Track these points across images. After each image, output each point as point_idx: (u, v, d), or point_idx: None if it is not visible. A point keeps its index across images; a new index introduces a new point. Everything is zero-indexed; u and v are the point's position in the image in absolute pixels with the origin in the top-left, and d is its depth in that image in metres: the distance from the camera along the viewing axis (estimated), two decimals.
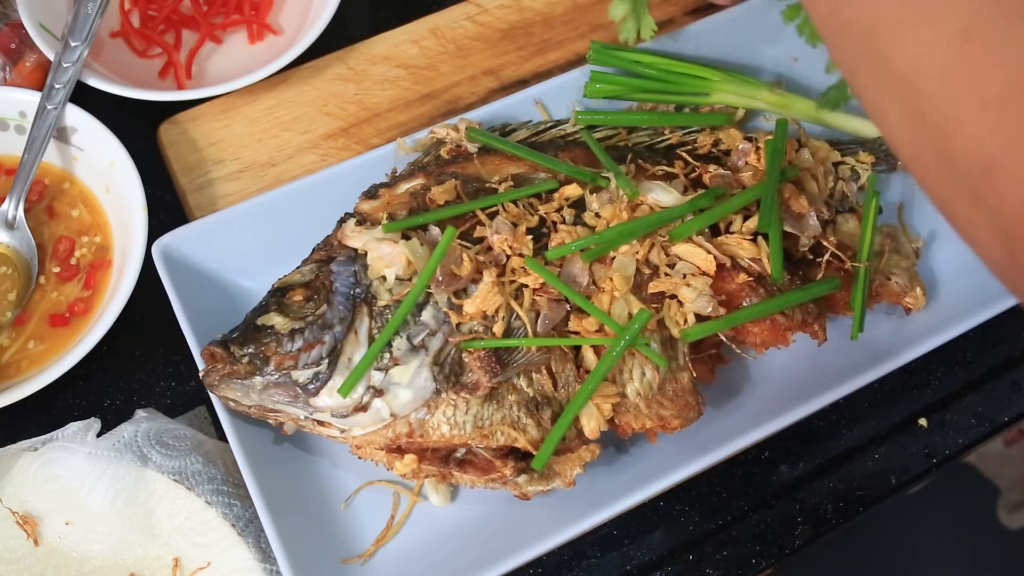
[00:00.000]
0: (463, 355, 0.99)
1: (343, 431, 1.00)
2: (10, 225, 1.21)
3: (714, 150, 1.18)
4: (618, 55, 1.22)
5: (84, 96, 1.26)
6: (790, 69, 1.31)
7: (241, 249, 1.15)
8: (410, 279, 1.01)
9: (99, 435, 1.07)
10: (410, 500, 1.07)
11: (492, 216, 1.06)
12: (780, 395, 1.10)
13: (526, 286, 1.02)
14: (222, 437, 1.12)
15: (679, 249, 1.05)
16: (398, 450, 1.00)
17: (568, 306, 1.02)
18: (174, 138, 1.31)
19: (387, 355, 0.98)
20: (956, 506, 2.14)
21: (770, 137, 1.14)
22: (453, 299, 1.01)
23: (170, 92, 1.29)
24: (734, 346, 1.08)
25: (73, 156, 1.25)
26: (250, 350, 0.98)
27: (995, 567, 2.15)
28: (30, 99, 1.23)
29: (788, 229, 1.08)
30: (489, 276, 1.00)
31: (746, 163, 1.14)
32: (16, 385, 1.10)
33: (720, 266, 1.05)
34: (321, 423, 1.00)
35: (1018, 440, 2.23)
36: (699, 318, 1.04)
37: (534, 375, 1.01)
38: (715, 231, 1.08)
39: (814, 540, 1.13)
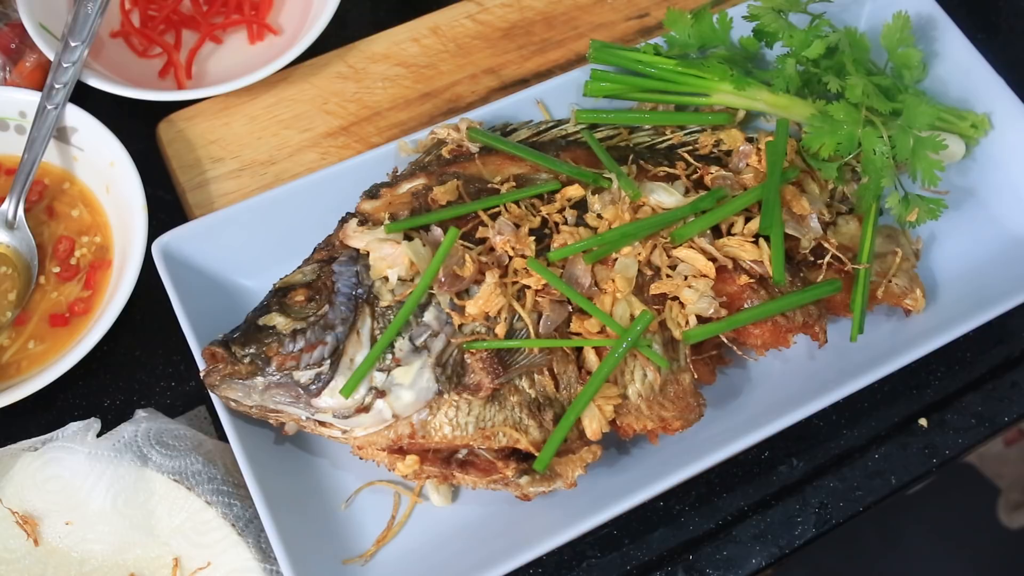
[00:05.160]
0: (465, 356, 0.99)
1: (345, 432, 1.00)
2: (10, 225, 1.21)
3: (715, 151, 1.18)
4: (618, 54, 1.22)
5: (84, 96, 1.25)
6: None
7: (241, 248, 1.15)
8: (412, 280, 1.01)
9: (99, 435, 1.07)
10: (411, 500, 1.07)
11: (494, 217, 1.06)
12: (781, 396, 1.11)
13: (528, 287, 1.02)
14: (222, 437, 1.12)
15: (680, 253, 1.05)
16: (400, 451, 1.00)
17: (570, 307, 1.02)
18: (173, 136, 1.30)
19: (389, 356, 0.98)
20: (956, 506, 2.14)
21: (771, 138, 1.14)
22: (455, 300, 1.01)
23: (170, 92, 1.28)
24: (735, 347, 1.09)
25: (73, 156, 1.25)
26: (251, 350, 0.98)
27: (995, 567, 2.15)
28: (30, 99, 1.23)
29: (789, 231, 1.08)
30: (491, 277, 1.00)
31: (747, 164, 1.14)
32: (16, 385, 1.10)
33: (722, 268, 1.05)
34: (323, 424, 1.00)
35: (1018, 440, 2.23)
36: (701, 320, 1.04)
37: (536, 376, 1.01)
38: (717, 232, 1.08)
39: (814, 540, 1.13)
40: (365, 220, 1.07)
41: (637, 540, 1.11)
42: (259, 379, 0.98)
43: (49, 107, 1.21)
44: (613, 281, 1.03)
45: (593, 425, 0.99)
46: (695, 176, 1.14)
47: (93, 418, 1.09)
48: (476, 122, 1.19)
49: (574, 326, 1.02)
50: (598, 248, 1.03)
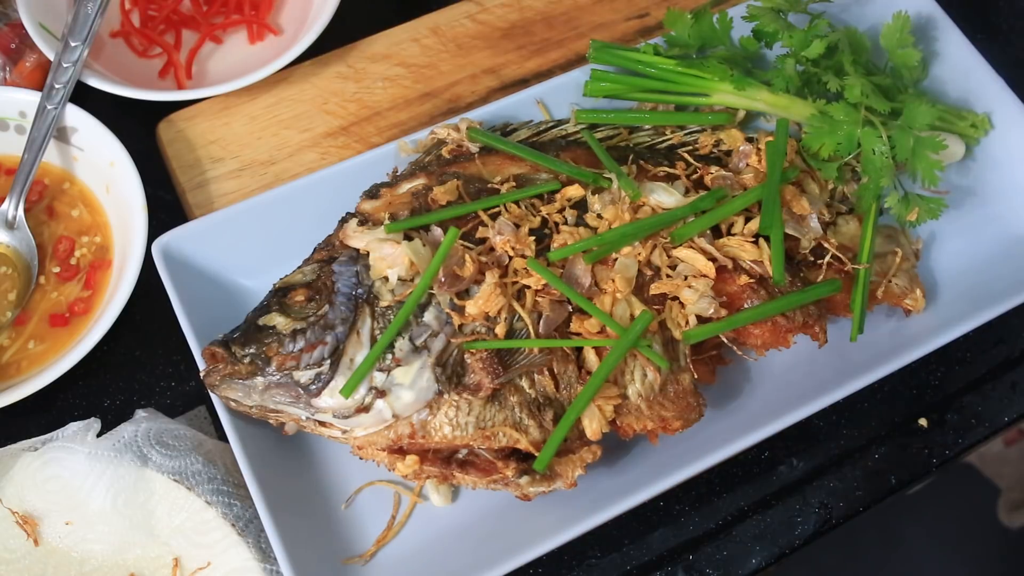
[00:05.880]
0: (465, 356, 0.99)
1: (345, 432, 1.00)
2: (10, 225, 1.21)
3: (715, 151, 1.18)
4: (618, 54, 1.22)
5: (84, 96, 1.25)
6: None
7: (242, 248, 1.15)
8: (412, 280, 1.01)
9: (99, 435, 1.07)
10: (411, 500, 1.07)
11: (494, 217, 1.06)
12: (780, 396, 1.11)
13: (528, 287, 1.02)
14: (222, 437, 1.12)
15: (680, 253, 1.05)
16: (400, 451, 1.00)
17: (570, 307, 1.02)
18: (173, 136, 1.30)
19: (389, 356, 0.98)
20: (956, 506, 2.14)
21: (771, 138, 1.14)
22: (455, 300, 1.01)
23: (170, 92, 1.28)
24: (735, 347, 1.08)
25: (73, 156, 1.25)
26: (251, 350, 0.98)
27: (995, 567, 2.15)
28: (30, 99, 1.23)
29: (789, 231, 1.08)
30: (491, 277, 1.00)
31: (747, 164, 1.14)
32: (16, 385, 1.10)
33: (721, 268, 1.05)
34: (323, 424, 1.00)
35: (1018, 440, 2.23)
36: (700, 320, 1.04)
37: (536, 376, 1.01)
38: (717, 233, 1.08)
39: (814, 540, 1.13)
40: (365, 220, 1.07)
41: (637, 540, 1.12)
42: (259, 379, 0.98)
43: (49, 107, 1.21)
44: (613, 281, 1.03)
45: (593, 425, 0.99)
46: (695, 176, 1.14)
47: (93, 418, 1.09)
48: (476, 122, 1.19)
49: (574, 326, 1.02)
50: (598, 248, 1.03)
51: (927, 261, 1.22)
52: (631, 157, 1.15)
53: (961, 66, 1.26)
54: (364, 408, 0.98)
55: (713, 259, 1.05)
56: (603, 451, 1.02)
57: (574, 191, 1.09)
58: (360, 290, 1.01)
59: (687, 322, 1.04)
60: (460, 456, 1.01)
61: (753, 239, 1.07)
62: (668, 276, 1.05)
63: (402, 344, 0.99)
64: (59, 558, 1.07)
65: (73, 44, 1.24)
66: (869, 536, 2.09)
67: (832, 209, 1.16)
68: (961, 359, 1.22)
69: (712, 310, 1.03)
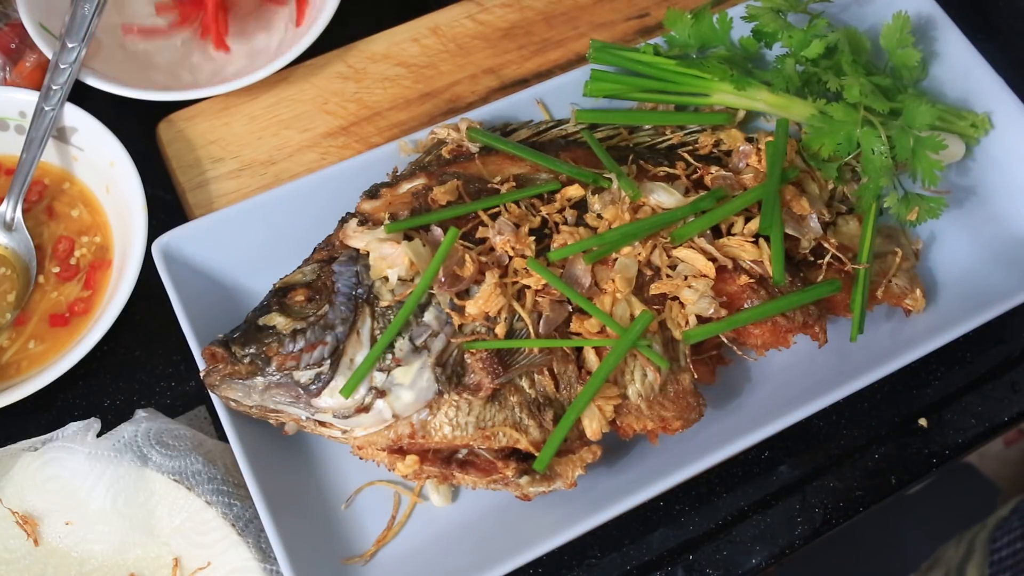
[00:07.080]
0: (465, 356, 0.99)
1: (345, 432, 1.00)
2: (8, 226, 1.21)
3: (715, 151, 1.18)
4: (618, 54, 1.22)
5: (84, 96, 1.25)
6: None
7: (242, 248, 1.15)
8: (412, 280, 1.01)
9: (99, 435, 1.07)
10: (411, 500, 1.07)
11: (494, 217, 1.06)
12: (780, 396, 1.11)
13: (528, 287, 1.02)
14: (222, 437, 1.12)
15: (680, 253, 1.05)
16: (400, 451, 1.00)
17: (570, 307, 1.02)
18: (173, 136, 1.30)
19: (389, 356, 0.98)
20: (956, 506, 2.14)
21: (771, 138, 1.14)
22: (455, 300, 1.01)
23: (170, 92, 1.28)
24: (735, 347, 1.09)
25: (73, 156, 1.25)
26: (252, 350, 0.98)
27: None
28: (30, 99, 1.23)
29: (789, 231, 1.08)
30: (491, 277, 1.00)
31: (747, 164, 1.14)
32: (16, 385, 1.10)
33: (722, 268, 1.05)
34: (323, 424, 1.00)
35: (1018, 440, 2.23)
36: (700, 320, 1.04)
37: (536, 376, 1.01)
38: (717, 233, 1.08)
39: (814, 540, 1.13)
40: (365, 220, 1.07)
41: (637, 540, 1.12)
42: (259, 379, 0.98)
43: (47, 108, 1.21)
44: (613, 281, 1.03)
45: (593, 425, 0.99)
46: (695, 176, 1.14)
47: (93, 418, 1.09)
48: (476, 122, 1.19)
49: (574, 326, 1.02)
50: (598, 248, 1.03)
51: (927, 261, 1.22)
52: (631, 157, 1.15)
53: (961, 66, 1.26)
54: (364, 408, 0.98)
55: (713, 259, 1.05)
56: (603, 451, 1.02)
57: (574, 191, 1.09)
58: (360, 290, 1.01)
59: (687, 322, 1.04)
60: (460, 456, 1.01)
61: (753, 239, 1.07)
62: (668, 276, 1.05)
63: (402, 344, 0.99)
64: (59, 558, 1.07)
65: (70, 45, 1.23)
66: (869, 536, 2.09)
67: (832, 209, 1.16)
68: (961, 359, 1.22)
69: (712, 310, 1.03)
